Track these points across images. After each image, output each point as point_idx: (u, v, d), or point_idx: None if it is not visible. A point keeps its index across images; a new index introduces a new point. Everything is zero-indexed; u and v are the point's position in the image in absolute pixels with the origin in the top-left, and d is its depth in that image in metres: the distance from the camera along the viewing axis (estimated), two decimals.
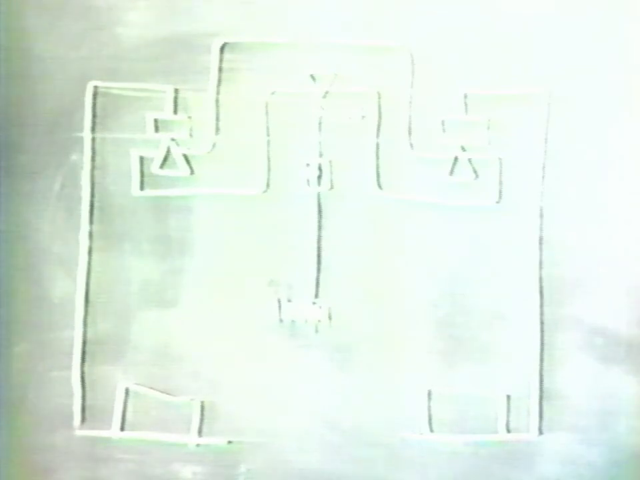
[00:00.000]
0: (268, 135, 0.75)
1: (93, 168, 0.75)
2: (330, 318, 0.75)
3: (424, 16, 0.73)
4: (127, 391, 0.75)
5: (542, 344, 0.73)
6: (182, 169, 0.75)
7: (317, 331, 0.75)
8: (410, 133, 0.74)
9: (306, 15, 0.74)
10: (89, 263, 0.75)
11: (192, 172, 0.75)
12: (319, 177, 0.74)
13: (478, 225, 0.74)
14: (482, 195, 0.74)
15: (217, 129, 0.75)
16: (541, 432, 0.73)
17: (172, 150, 0.75)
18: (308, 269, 0.74)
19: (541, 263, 0.73)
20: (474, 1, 0.73)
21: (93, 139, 0.75)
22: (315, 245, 0.74)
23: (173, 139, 0.75)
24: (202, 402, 0.75)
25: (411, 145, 0.74)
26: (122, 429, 0.75)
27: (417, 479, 0.74)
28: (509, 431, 0.73)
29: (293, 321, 0.75)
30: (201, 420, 0.75)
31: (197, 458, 0.75)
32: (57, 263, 0.75)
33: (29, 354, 0.75)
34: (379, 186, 0.74)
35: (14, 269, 0.75)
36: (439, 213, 0.74)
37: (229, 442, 0.75)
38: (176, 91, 0.75)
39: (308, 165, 0.74)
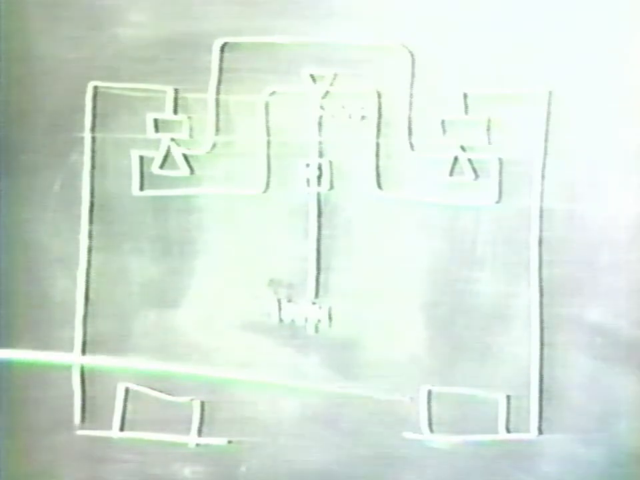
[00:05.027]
0: (268, 135, 0.75)
1: (92, 168, 0.75)
2: (330, 318, 0.75)
3: (424, 16, 0.73)
4: (127, 391, 0.75)
5: (542, 344, 0.73)
6: (182, 169, 0.75)
7: (317, 331, 0.75)
8: (410, 133, 0.74)
9: (306, 14, 0.74)
10: (89, 263, 0.75)
11: (192, 172, 0.75)
12: (319, 177, 0.74)
13: (478, 225, 0.74)
14: (482, 194, 0.74)
15: (217, 129, 0.75)
16: (540, 432, 0.73)
17: (172, 150, 0.75)
18: (308, 269, 0.74)
19: (540, 263, 0.73)
20: (474, 1, 0.73)
21: (93, 139, 0.75)
22: (315, 245, 0.74)
23: (173, 139, 0.75)
24: (202, 402, 0.75)
25: (411, 145, 0.74)
26: (122, 429, 0.75)
27: (417, 478, 0.74)
28: (509, 431, 0.73)
29: (292, 320, 0.75)
30: (201, 420, 0.75)
31: (197, 458, 0.75)
32: (57, 263, 0.75)
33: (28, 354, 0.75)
34: (379, 186, 0.74)
35: (14, 269, 0.75)
36: (439, 213, 0.74)
37: (229, 442, 0.75)
38: (176, 91, 0.75)
39: (308, 165, 0.74)
